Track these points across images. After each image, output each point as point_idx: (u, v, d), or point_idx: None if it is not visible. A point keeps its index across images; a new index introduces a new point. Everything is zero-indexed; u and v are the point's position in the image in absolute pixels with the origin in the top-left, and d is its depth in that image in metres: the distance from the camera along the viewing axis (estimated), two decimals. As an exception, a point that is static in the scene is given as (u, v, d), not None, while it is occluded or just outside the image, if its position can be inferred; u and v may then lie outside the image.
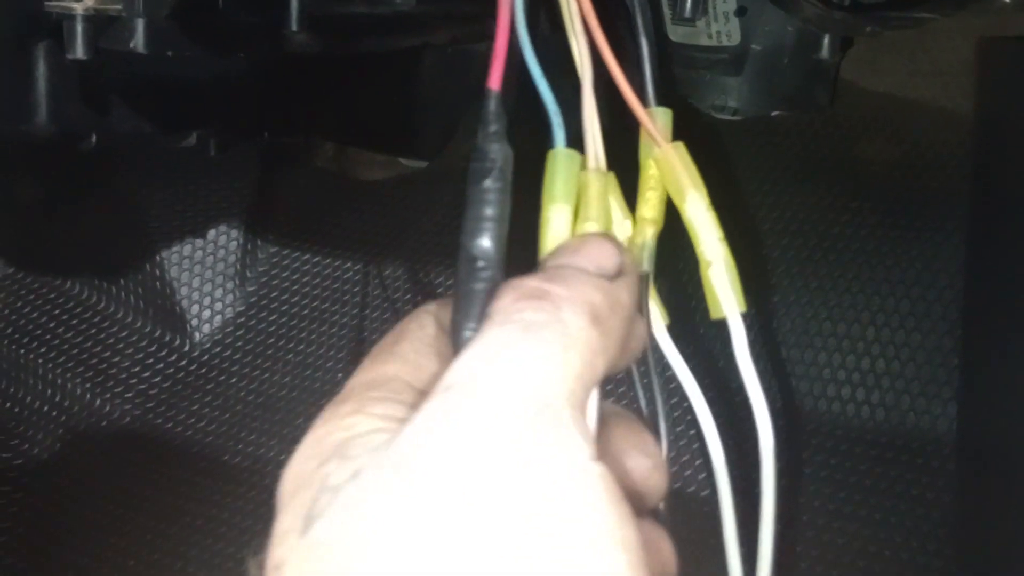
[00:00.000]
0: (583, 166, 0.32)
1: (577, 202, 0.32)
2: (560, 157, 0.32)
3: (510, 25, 0.30)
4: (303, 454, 0.27)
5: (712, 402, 0.35)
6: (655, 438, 0.33)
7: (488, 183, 0.29)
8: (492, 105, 0.30)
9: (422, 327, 0.30)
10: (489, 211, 0.28)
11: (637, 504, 0.34)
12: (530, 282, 0.27)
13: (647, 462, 0.32)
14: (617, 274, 0.29)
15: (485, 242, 0.28)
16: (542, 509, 0.23)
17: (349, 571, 0.23)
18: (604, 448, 0.32)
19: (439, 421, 0.24)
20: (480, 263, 0.28)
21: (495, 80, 0.30)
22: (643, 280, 0.33)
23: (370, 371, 0.29)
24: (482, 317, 0.27)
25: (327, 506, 0.24)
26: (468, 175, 0.29)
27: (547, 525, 0.23)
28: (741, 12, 0.53)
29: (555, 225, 0.31)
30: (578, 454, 0.24)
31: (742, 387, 0.33)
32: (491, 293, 0.28)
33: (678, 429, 0.65)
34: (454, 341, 0.28)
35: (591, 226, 0.32)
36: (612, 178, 0.34)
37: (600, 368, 0.27)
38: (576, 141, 0.33)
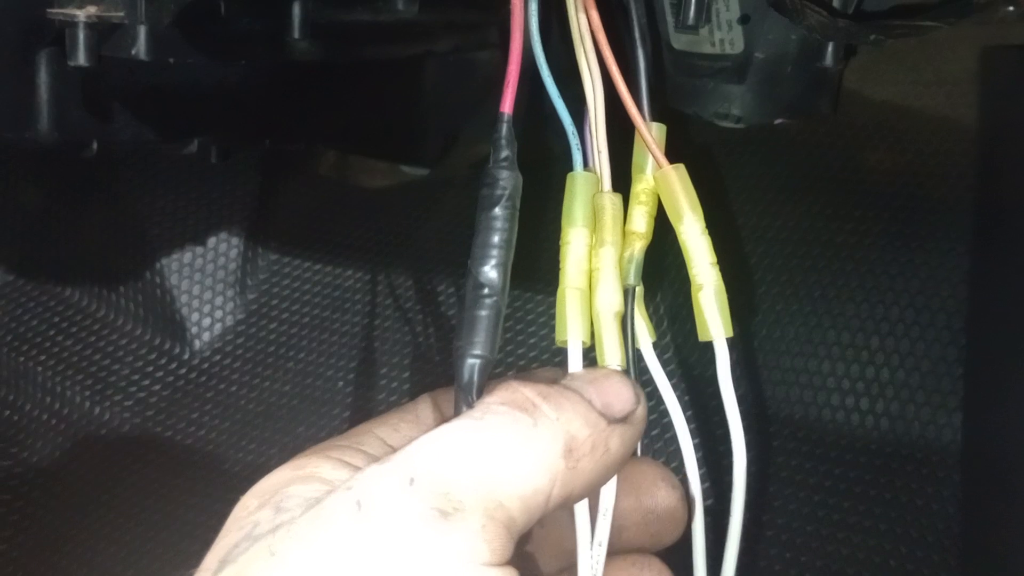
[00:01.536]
0: (598, 188, 0.33)
1: (593, 223, 0.33)
2: (579, 180, 0.33)
3: (523, 50, 0.31)
4: (258, 488, 0.28)
5: (691, 419, 0.35)
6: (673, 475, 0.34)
7: (497, 211, 0.30)
8: (504, 131, 0.30)
9: (421, 403, 0.33)
10: (496, 238, 0.30)
11: (664, 536, 0.35)
12: (526, 390, 0.27)
13: (675, 494, 0.34)
14: (622, 420, 0.29)
15: (492, 272, 0.29)
16: None
17: None
18: (632, 482, 0.33)
19: (350, 500, 0.24)
20: (485, 290, 0.29)
21: (508, 104, 0.30)
22: (629, 295, 0.33)
23: (371, 423, 0.31)
24: (486, 343, 0.29)
25: (240, 555, 0.25)
26: (479, 200, 0.30)
27: None
28: (744, 20, 0.53)
29: (575, 248, 0.33)
30: (469, 563, 0.24)
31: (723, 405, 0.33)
32: (493, 319, 0.29)
33: (656, 447, 0.64)
34: (457, 368, 0.29)
35: (607, 251, 0.33)
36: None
37: (554, 501, 0.26)
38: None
